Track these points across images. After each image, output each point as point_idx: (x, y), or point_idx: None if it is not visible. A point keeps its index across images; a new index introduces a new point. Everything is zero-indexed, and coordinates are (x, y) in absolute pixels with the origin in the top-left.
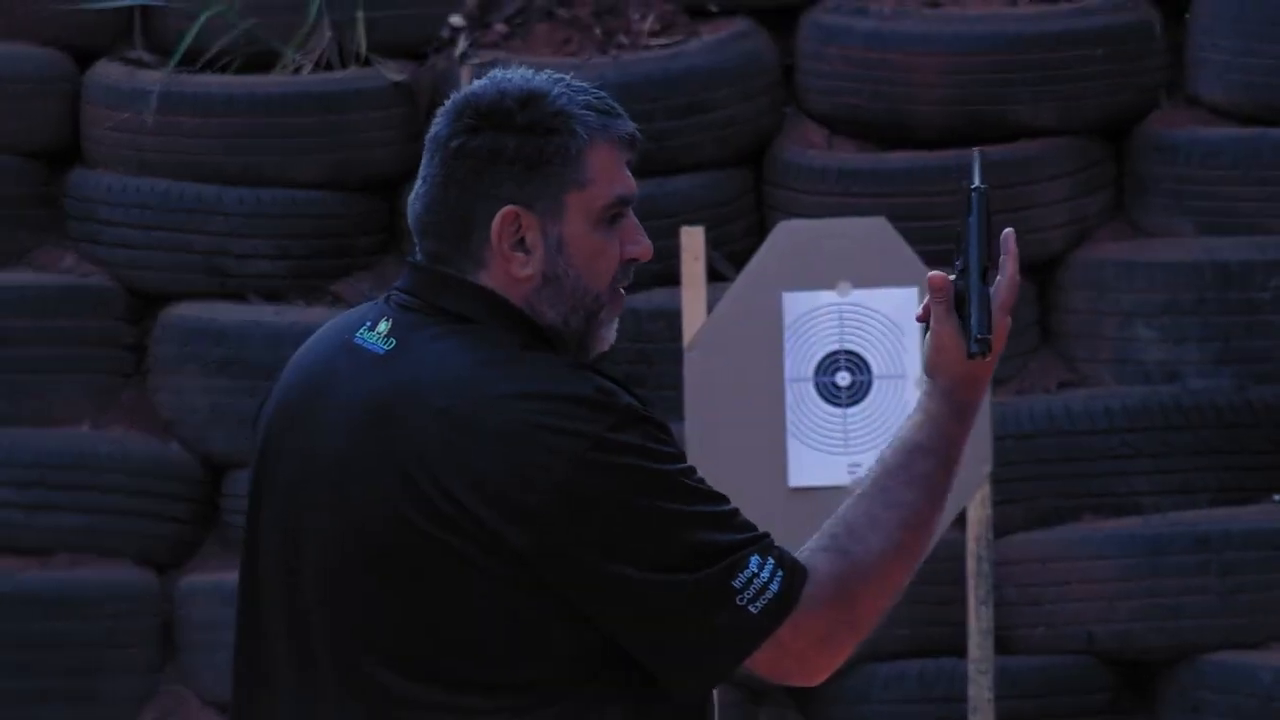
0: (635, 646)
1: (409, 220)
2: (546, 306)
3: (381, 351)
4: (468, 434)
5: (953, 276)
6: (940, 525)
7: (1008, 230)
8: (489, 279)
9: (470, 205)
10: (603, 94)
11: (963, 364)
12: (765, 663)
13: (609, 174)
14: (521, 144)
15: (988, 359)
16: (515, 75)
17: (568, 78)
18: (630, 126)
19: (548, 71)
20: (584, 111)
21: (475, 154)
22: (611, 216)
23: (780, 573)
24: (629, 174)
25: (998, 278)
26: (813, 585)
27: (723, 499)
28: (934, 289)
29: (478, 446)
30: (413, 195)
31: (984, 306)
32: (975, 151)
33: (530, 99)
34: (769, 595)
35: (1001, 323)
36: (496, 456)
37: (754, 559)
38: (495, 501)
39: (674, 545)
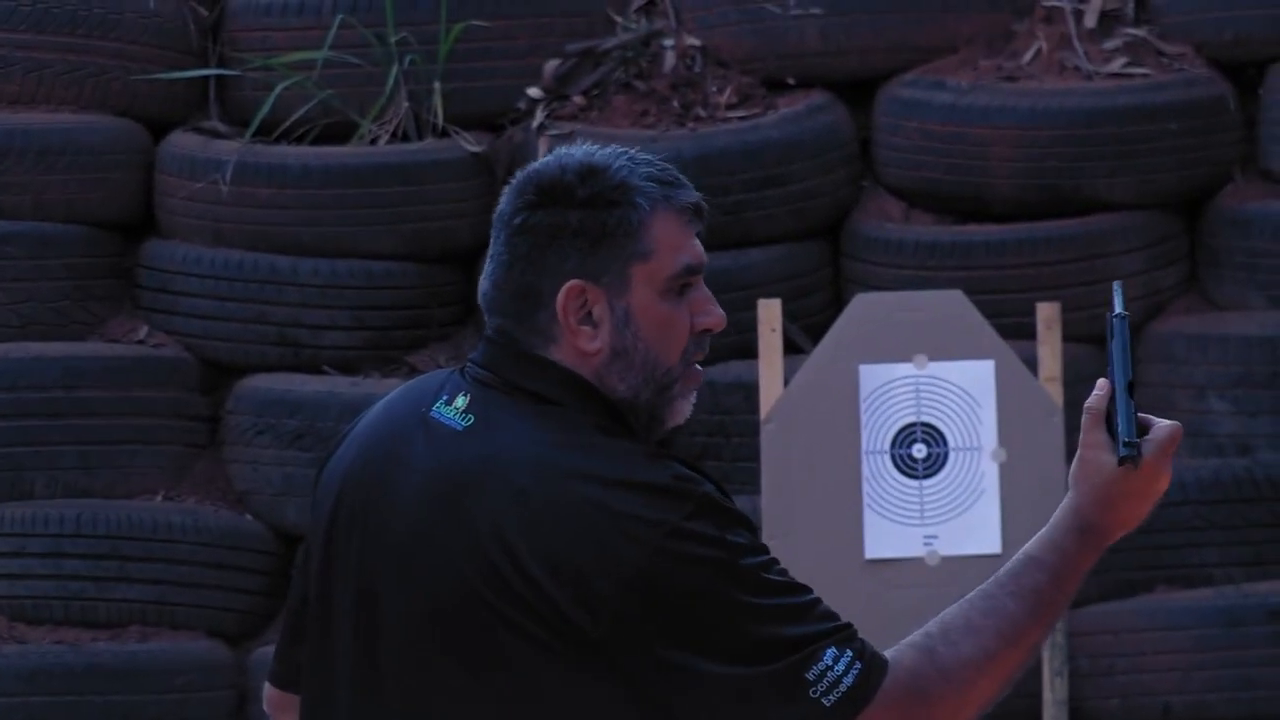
0: None
1: (479, 299)
2: (616, 380)
3: (460, 428)
4: (545, 516)
5: (1104, 392)
6: (1044, 641)
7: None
8: (559, 354)
9: (536, 281)
10: (667, 165)
11: (1102, 477)
12: None
13: (674, 244)
14: (584, 218)
15: (1135, 479)
16: (577, 151)
17: (632, 151)
18: (694, 196)
19: (613, 146)
20: (645, 183)
21: (538, 230)
22: (679, 287)
23: (857, 665)
24: (697, 244)
25: (1160, 431)
26: (891, 681)
27: (803, 590)
28: (1088, 404)
29: (555, 529)
30: (483, 274)
31: (1130, 417)
32: (1116, 284)
33: (591, 173)
34: (842, 688)
35: (1161, 466)
36: (573, 540)
37: (830, 651)
38: (569, 585)
39: (748, 638)
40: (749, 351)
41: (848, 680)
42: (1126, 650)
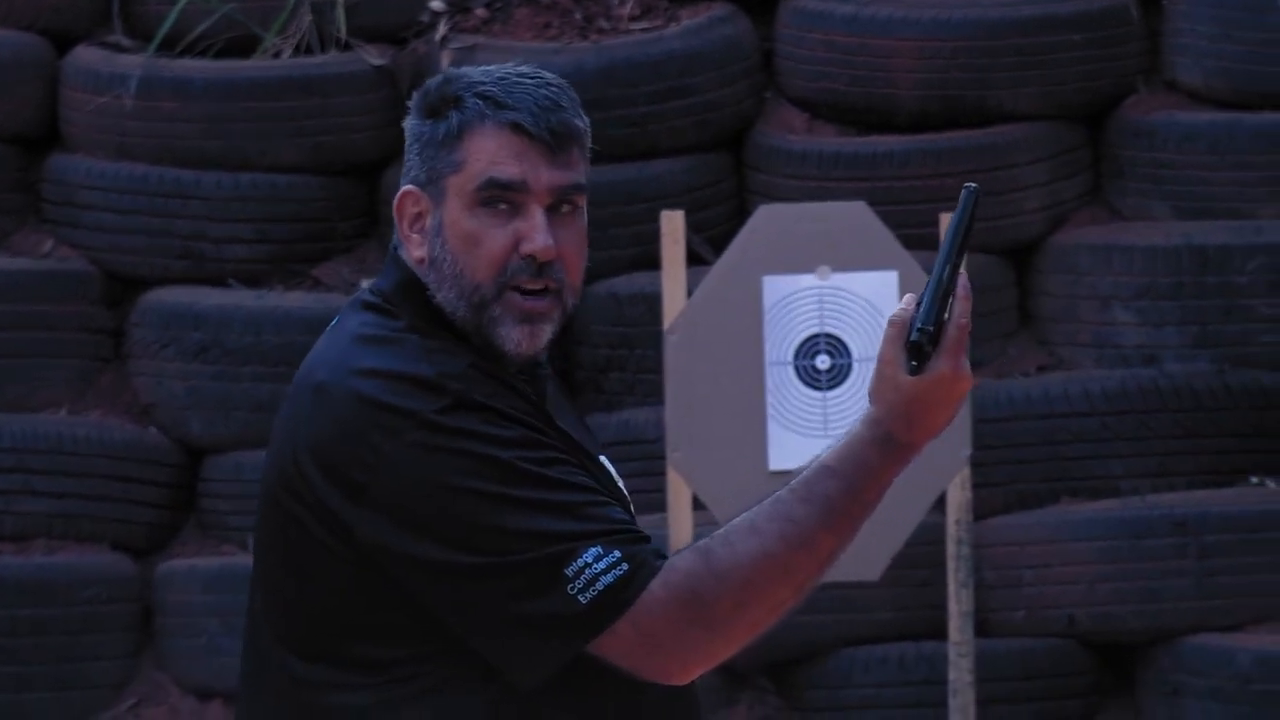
0: (461, 630)
1: None
2: (435, 290)
3: (328, 330)
4: (322, 409)
5: (909, 306)
6: (839, 550)
7: (961, 274)
8: (408, 257)
9: (399, 187)
10: (529, 81)
11: (900, 394)
12: (614, 655)
13: (488, 157)
14: (418, 127)
15: (932, 388)
16: (478, 66)
17: (522, 68)
18: (523, 117)
19: (525, 64)
20: (473, 97)
21: (405, 136)
22: (487, 200)
23: (622, 567)
24: (525, 164)
25: (948, 321)
26: (661, 583)
27: (581, 490)
28: (890, 316)
29: (326, 424)
30: None
31: (933, 304)
32: (966, 188)
33: (441, 84)
34: (599, 587)
35: (954, 369)
36: (337, 432)
37: (592, 550)
38: (331, 477)
39: (493, 529)
40: (652, 263)
41: (606, 579)
42: (1032, 562)
